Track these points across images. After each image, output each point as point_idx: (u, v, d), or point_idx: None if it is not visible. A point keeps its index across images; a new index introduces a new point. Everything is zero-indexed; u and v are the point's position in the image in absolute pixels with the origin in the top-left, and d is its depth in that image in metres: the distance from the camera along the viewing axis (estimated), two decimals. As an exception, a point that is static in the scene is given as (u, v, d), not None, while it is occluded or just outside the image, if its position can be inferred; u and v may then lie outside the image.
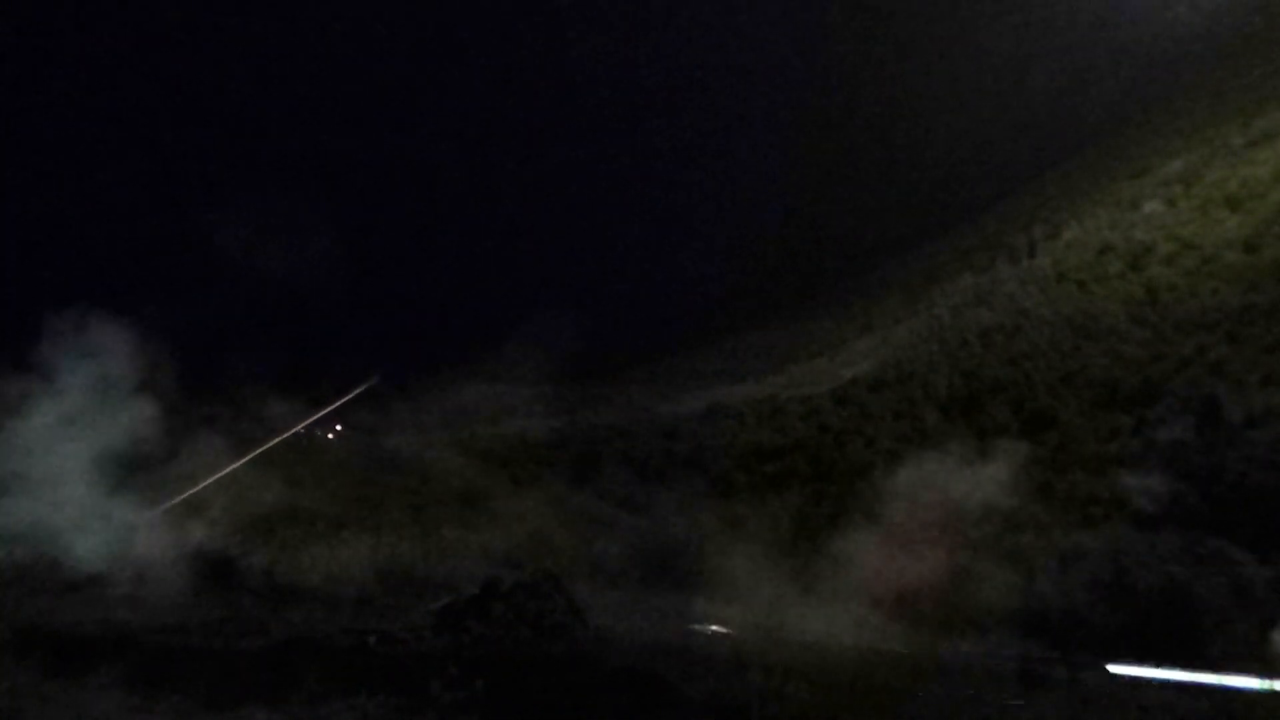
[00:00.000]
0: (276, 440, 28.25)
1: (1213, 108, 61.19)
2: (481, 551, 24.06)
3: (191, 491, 22.61)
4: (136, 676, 14.63)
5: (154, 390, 22.16)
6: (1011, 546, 24.09)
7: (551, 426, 45.88)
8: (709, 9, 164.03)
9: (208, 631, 16.24)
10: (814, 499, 31.25)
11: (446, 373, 55.24)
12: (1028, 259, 48.83)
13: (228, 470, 23.86)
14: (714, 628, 18.69)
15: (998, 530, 25.21)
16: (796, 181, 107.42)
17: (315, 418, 32.78)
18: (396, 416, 46.07)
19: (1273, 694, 16.11)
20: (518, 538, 25.61)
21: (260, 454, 26.63)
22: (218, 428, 30.95)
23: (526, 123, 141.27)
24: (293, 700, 14.35)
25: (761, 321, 79.59)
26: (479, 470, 35.55)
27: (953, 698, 14.94)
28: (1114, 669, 17.75)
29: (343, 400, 30.74)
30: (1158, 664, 17.63)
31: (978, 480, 25.17)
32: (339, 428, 34.76)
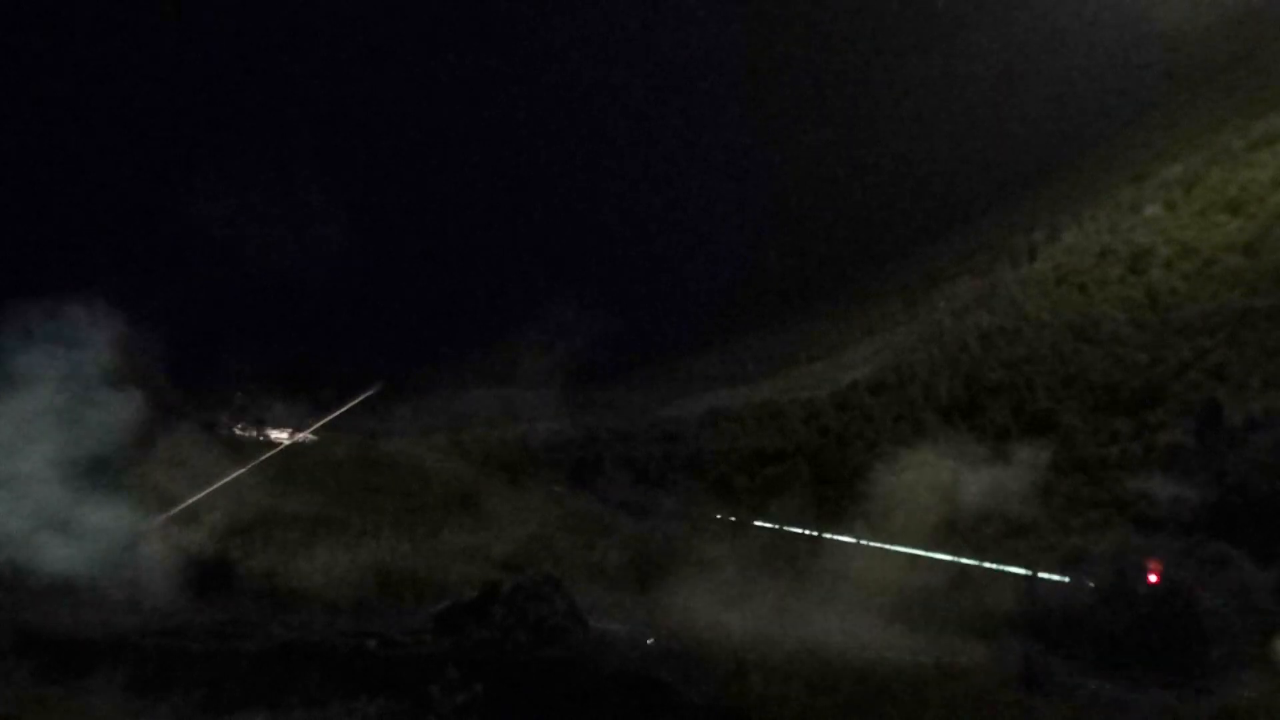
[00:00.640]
0: (275, 451, 28.29)
1: (1212, 111, 61.30)
2: (481, 555, 24.01)
3: (191, 501, 22.59)
4: (135, 680, 14.59)
5: (153, 393, 22.14)
6: (1011, 550, 24.12)
7: (552, 430, 45.89)
8: (710, 11, 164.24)
9: (207, 635, 16.18)
10: (815, 502, 31.27)
11: (447, 375, 55.23)
12: (1028, 262, 48.88)
13: (228, 479, 23.85)
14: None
15: (998, 533, 25.25)
16: (796, 184, 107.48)
17: (316, 425, 32.82)
18: (396, 419, 46.07)
19: (1272, 694, 16.06)
20: (518, 541, 25.57)
21: (260, 460, 26.64)
22: (217, 433, 31.00)
23: (527, 125, 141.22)
24: (292, 703, 14.32)
25: (761, 325, 79.62)
26: (479, 473, 35.54)
27: (953, 702, 14.91)
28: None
29: (344, 408, 30.79)
30: (1158, 668, 17.59)
31: (978, 483, 25.18)
32: (338, 430, 34.74)
